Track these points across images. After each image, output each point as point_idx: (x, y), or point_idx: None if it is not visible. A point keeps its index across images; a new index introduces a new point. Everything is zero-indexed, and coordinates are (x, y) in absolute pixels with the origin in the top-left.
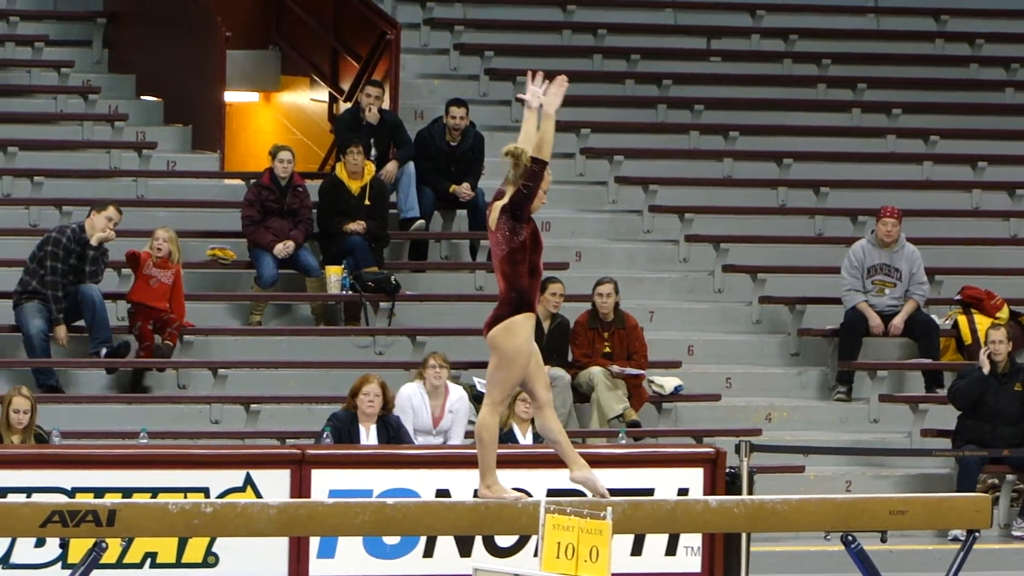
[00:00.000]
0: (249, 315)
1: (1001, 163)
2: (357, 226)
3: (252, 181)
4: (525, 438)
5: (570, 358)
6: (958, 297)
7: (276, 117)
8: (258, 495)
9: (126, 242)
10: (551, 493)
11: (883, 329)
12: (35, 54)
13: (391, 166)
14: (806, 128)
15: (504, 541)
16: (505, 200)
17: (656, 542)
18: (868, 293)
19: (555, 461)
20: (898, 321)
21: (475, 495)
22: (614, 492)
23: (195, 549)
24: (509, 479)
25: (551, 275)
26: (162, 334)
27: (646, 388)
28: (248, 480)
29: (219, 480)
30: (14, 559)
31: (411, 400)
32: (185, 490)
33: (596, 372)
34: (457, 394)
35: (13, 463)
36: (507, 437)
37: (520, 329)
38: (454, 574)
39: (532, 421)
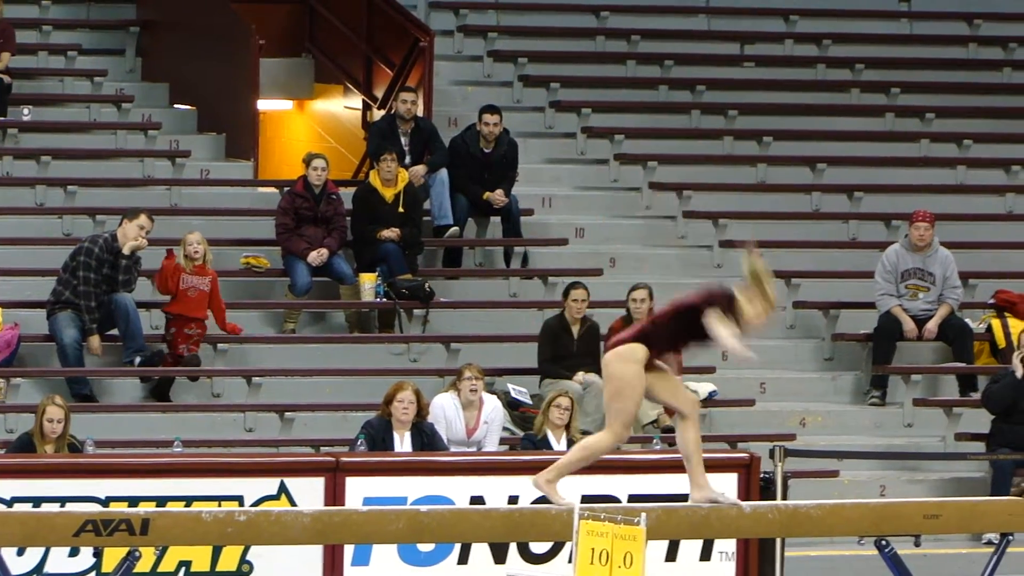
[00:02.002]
0: (283, 323)
1: None
2: (391, 233)
3: (286, 189)
4: (559, 444)
5: None
6: (992, 301)
7: (310, 125)
8: (292, 503)
9: (159, 251)
10: (585, 499)
11: (917, 333)
12: (68, 63)
13: (419, 168)
14: (839, 133)
15: (538, 548)
16: (738, 311)
17: (690, 548)
18: (902, 297)
19: (588, 468)
20: (932, 325)
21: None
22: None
23: (229, 557)
24: None
25: (576, 280)
26: (184, 342)
27: None
28: (282, 488)
29: (253, 488)
30: (48, 568)
31: (444, 411)
32: (219, 498)
33: None
34: (492, 404)
35: (47, 472)
36: (541, 443)
37: (631, 354)
38: None
39: (566, 427)
